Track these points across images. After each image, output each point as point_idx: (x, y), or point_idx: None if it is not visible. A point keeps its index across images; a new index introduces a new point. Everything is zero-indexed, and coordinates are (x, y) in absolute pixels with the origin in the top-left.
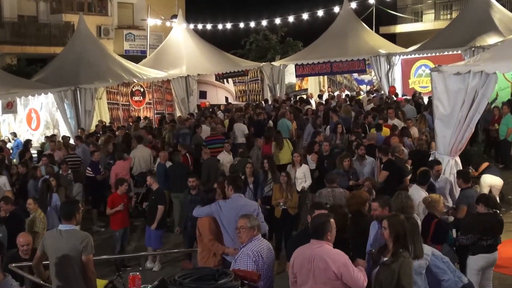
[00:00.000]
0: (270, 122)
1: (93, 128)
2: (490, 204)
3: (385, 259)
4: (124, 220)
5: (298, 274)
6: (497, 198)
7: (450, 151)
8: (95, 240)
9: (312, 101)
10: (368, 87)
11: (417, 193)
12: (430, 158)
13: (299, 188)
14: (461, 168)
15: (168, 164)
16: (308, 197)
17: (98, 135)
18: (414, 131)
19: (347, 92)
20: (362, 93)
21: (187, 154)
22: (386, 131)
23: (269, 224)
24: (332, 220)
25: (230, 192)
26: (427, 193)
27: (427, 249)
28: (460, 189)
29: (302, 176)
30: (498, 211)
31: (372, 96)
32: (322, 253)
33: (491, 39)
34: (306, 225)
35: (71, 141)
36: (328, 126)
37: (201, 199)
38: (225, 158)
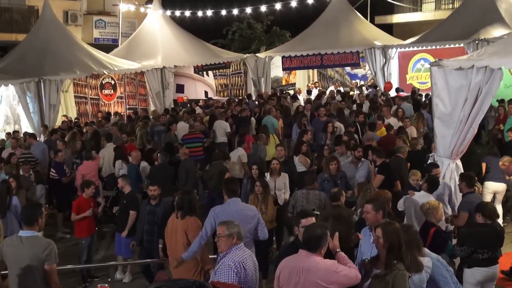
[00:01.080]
0: (253, 119)
1: (58, 124)
2: (486, 215)
3: (378, 271)
4: (91, 227)
5: (285, 287)
6: (500, 205)
7: (451, 153)
8: (59, 248)
9: (300, 97)
10: (362, 82)
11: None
12: (429, 161)
13: (280, 201)
14: (462, 172)
15: (144, 164)
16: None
17: (64, 132)
18: (412, 131)
19: (338, 88)
20: (355, 89)
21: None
22: (382, 130)
23: None
24: (328, 232)
25: (225, 197)
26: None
27: (427, 260)
28: (461, 194)
29: (283, 187)
30: (495, 222)
31: (365, 92)
32: (310, 266)
33: (497, 31)
34: (295, 238)
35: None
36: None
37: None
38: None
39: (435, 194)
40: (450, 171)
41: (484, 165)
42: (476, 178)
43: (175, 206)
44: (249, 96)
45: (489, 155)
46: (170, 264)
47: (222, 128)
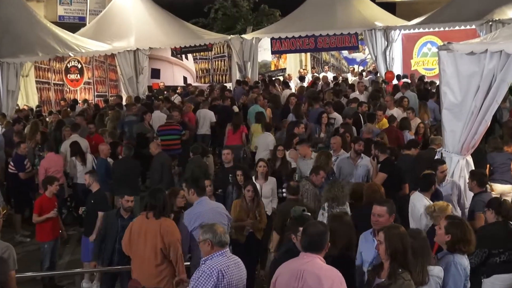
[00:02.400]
0: (235, 107)
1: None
2: (502, 212)
3: (381, 280)
4: (55, 229)
5: None
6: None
7: (461, 148)
8: (18, 253)
9: (292, 85)
10: (361, 68)
11: (419, 202)
12: (436, 157)
13: (268, 210)
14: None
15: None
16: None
17: (24, 122)
18: (417, 122)
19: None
20: (351, 75)
21: None
22: (384, 122)
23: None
24: (328, 231)
25: (192, 196)
26: (431, 202)
27: (438, 270)
28: (472, 194)
29: (270, 194)
30: (509, 221)
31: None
32: (313, 269)
33: None
34: (291, 246)
35: None
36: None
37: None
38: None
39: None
40: (460, 168)
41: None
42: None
43: (146, 205)
44: (239, 82)
45: (493, 151)
46: (134, 271)
47: (206, 118)
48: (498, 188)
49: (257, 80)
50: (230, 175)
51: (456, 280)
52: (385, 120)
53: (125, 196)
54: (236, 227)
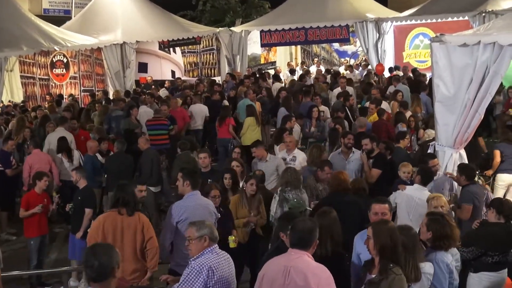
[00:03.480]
0: (225, 101)
1: None
2: (503, 212)
3: (372, 276)
4: (42, 226)
5: None
6: None
7: (454, 142)
8: (4, 252)
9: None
10: (352, 61)
11: (420, 195)
12: (429, 150)
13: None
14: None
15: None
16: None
17: (8, 117)
18: (408, 115)
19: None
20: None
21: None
22: (375, 116)
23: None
24: (317, 228)
25: (186, 188)
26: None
27: (429, 266)
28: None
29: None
30: (509, 222)
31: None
32: (300, 265)
33: (506, 3)
34: (280, 242)
35: None
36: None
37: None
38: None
39: (434, 189)
40: (453, 162)
41: (497, 153)
42: (480, 170)
43: (118, 201)
44: (232, 76)
45: (503, 141)
46: None
47: (199, 113)
48: (506, 178)
49: (247, 73)
50: (208, 179)
51: (439, 278)
52: (376, 114)
53: (138, 186)
54: (239, 224)
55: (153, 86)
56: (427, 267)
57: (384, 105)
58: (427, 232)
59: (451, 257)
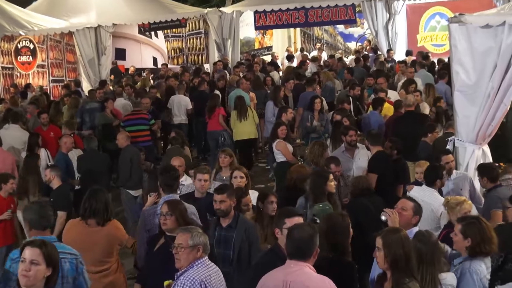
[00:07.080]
0: (217, 91)
1: None
2: None
3: None
4: (9, 234)
5: None
6: None
7: (476, 137)
8: None
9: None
10: (359, 45)
11: (430, 197)
12: (447, 146)
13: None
14: (490, 161)
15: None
16: None
17: None
18: (424, 107)
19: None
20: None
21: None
22: (388, 108)
23: None
24: (317, 234)
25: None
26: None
27: (451, 277)
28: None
29: None
30: None
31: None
32: (300, 279)
33: None
34: (275, 244)
35: None
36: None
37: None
38: None
39: (451, 190)
40: (475, 159)
41: None
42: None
43: (87, 209)
44: (224, 64)
45: None
46: None
47: (181, 104)
48: None
49: (241, 60)
50: (207, 214)
51: None
52: (388, 105)
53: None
54: None
55: (136, 75)
56: (448, 278)
57: (393, 94)
58: (464, 239)
59: (485, 270)
